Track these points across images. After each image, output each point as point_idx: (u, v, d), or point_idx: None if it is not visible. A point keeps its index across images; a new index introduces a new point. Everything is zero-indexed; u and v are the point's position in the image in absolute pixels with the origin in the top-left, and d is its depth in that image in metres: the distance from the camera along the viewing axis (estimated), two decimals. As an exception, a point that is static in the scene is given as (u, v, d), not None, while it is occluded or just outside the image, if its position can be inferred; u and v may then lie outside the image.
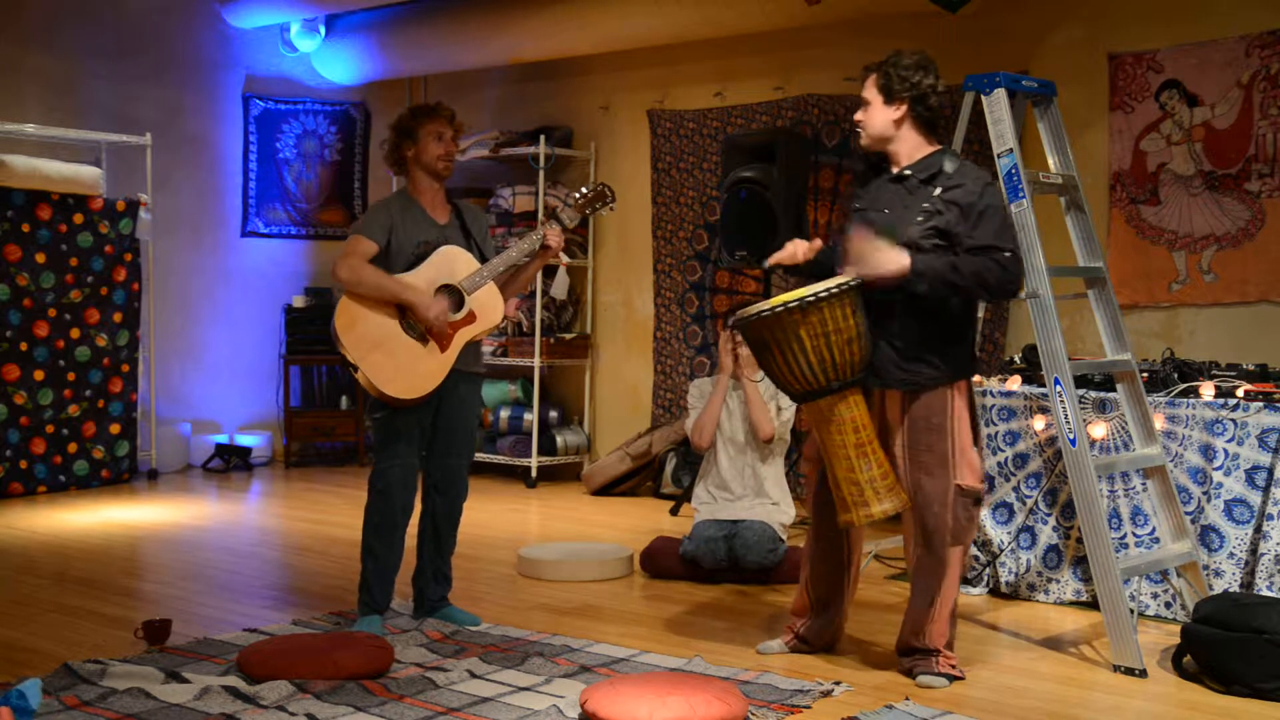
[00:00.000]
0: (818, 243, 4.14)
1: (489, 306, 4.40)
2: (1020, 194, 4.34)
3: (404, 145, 4.46)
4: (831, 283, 3.75)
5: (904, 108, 3.93)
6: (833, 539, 4.12)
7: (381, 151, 4.58)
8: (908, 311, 3.85)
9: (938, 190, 3.87)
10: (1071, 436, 4.18)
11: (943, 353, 3.89)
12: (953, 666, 3.97)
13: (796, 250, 4.10)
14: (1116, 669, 4.07)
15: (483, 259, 4.45)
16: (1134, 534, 4.79)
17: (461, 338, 4.35)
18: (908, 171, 3.95)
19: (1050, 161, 4.69)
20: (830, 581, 4.16)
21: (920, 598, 3.96)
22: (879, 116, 3.95)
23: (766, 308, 3.74)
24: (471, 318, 4.36)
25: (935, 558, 3.90)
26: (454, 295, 4.35)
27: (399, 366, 4.27)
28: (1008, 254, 3.82)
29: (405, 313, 4.30)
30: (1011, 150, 4.36)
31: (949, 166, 3.91)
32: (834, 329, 3.72)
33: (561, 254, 7.89)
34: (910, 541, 3.99)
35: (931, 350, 3.87)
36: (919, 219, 3.85)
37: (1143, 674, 4.03)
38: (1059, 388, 4.21)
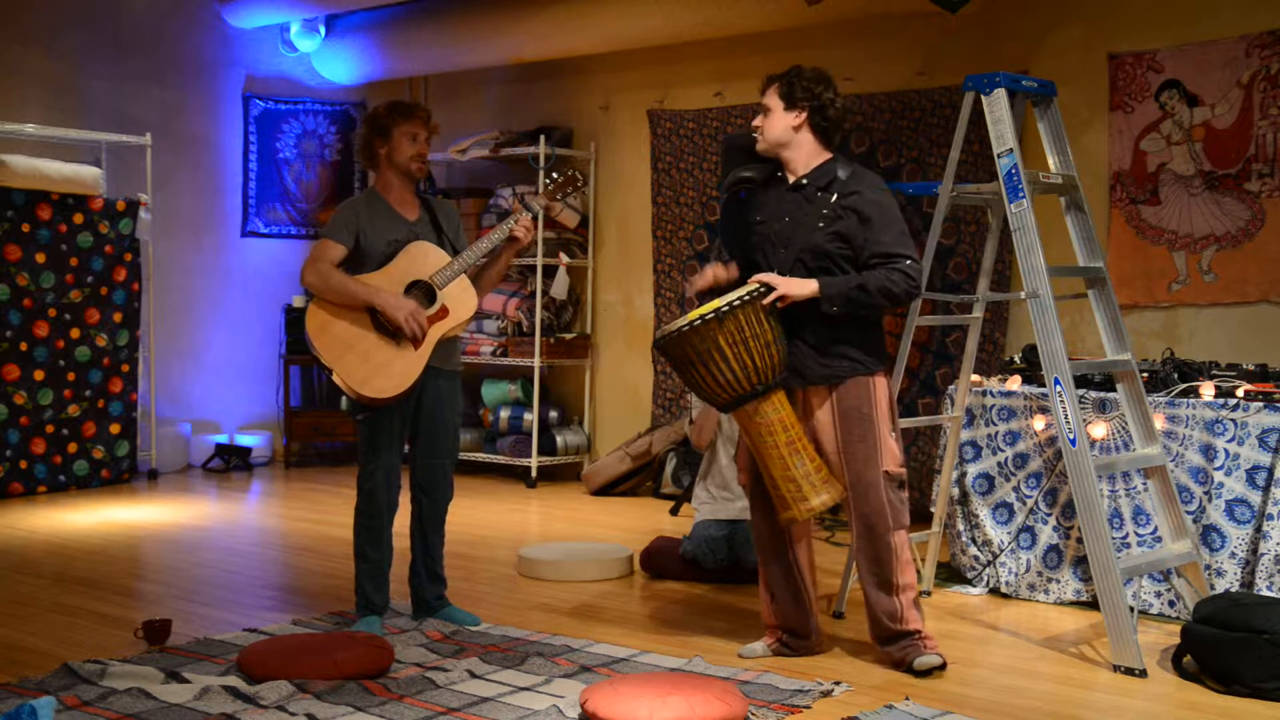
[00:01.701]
0: (734, 267, 4.26)
1: (461, 301, 4.38)
2: (1020, 194, 4.34)
3: (376, 141, 4.44)
4: (742, 291, 3.91)
5: (803, 115, 4.07)
6: (778, 553, 4.19)
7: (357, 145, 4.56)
8: (819, 310, 3.97)
9: (834, 197, 4.01)
10: (1071, 436, 4.18)
11: (858, 344, 4.03)
12: (934, 646, 4.06)
13: (717, 274, 4.24)
14: (1116, 669, 4.07)
15: (455, 254, 4.42)
16: (1136, 533, 4.79)
17: (435, 333, 4.33)
18: (805, 180, 4.08)
19: (1050, 161, 4.69)
20: (787, 593, 4.21)
21: (880, 586, 4.05)
22: (779, 122, 4.09)
23: (685, 323, 3.88)
24: (444, 312, 4.35)
25: (881, 544, 4.02)
26: (425, 291, 4.35)
27: (373, 366, 4.26)
28: (909, 262, 3.96)
29: (377, 312, 4.30)
30: (1011, 150, 4.37)
31: (843, 173, 4.06)
32: (751, 334, 3.86)
33: (562, 254, 7.97)
34: (853, 534, 4.09)
35: (847, 343, 4.02)
36: (820, 225, 4.00)
37: (1142, 674, 4.03)
38: (1059, 388, 4.21)
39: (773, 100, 4.10)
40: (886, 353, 4.17)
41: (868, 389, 4.02)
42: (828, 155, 4.11)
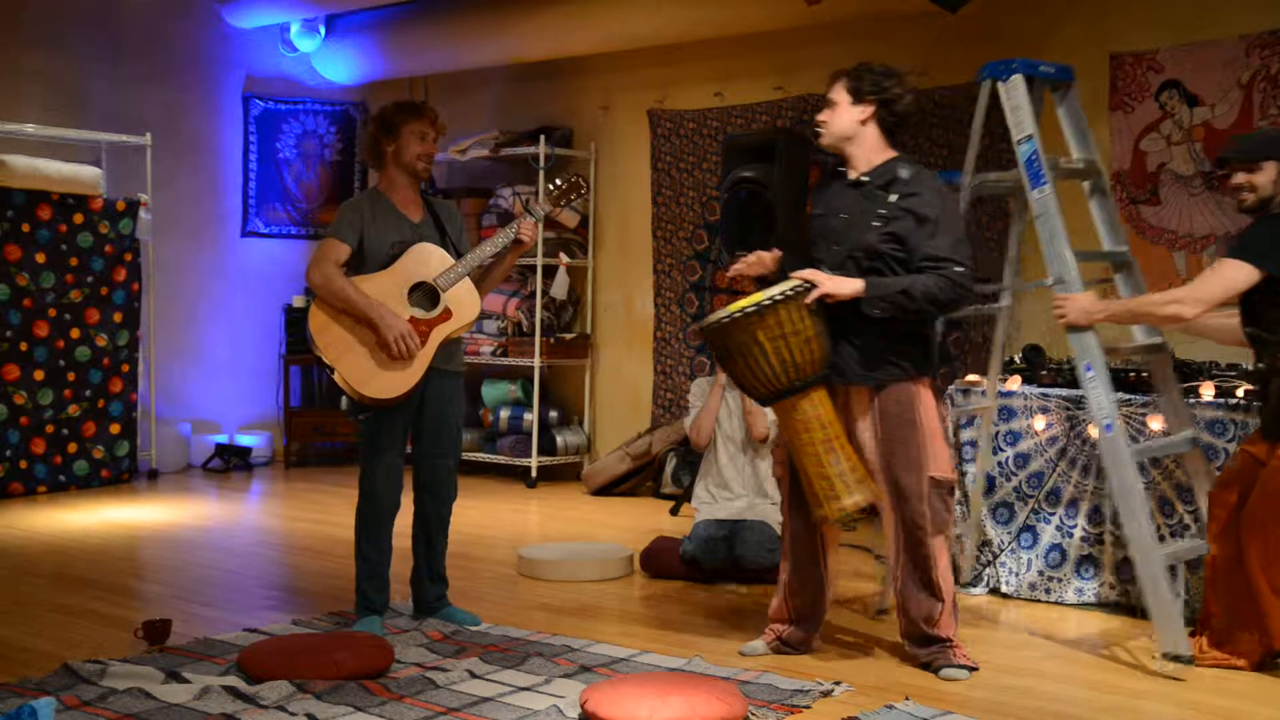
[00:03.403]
0: (777, 253, 4.23)
1: (465, 303, 4.37)
2: (1042, 180, 4.32)
3: (384, 140, 4.43)
4: (784, 286, 3.88)
5: (870, 109, 4.01)
6: (808, 553, 4.16)
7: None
8: (866, 313, 3.93)
9: (894, 197, 3.96)
10: (1107, 423, 4.15)
11: (903, 351, 3.98)
12: (966, 657, 4.03)
13: (762, 260, 4.20)
14: (1165, 656, 4.05)
15: (458, 256, 4.42)
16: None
17: (438, 335, 4.33)
18: (865, 178, 4.03)
19: (1071, 147, 4.64)
20: (809, 594, 4.19)
21: (918, 589, 4.01)
22: (845, 116, 4.04)
23: (725, 315, 3.87)
24: (447, 315, 4.34)
25: (921, 550, 3.98)
26: (429, 293, 4.34)
27: (375, 367, 4.25)
28: (960, 269, 3.90)
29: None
30: (1031, 136, 4.34)
31: (904, 173, 4.00)
32: (791, 330, 3.84)
33: (562, 254, 7.97)
34: (892, 537, 4.06)
35: (891, 349, 3.97)
36: (875, 224, 3.95)
37: (1190, 661, 4.02)
38: (1090, 373, 4.18)
39: (839, 94, 4.03)
40: (935, 363, 4.08)
41: (911, 394, 3.97)
42: (891, 153, 4.04)
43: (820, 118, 4.09)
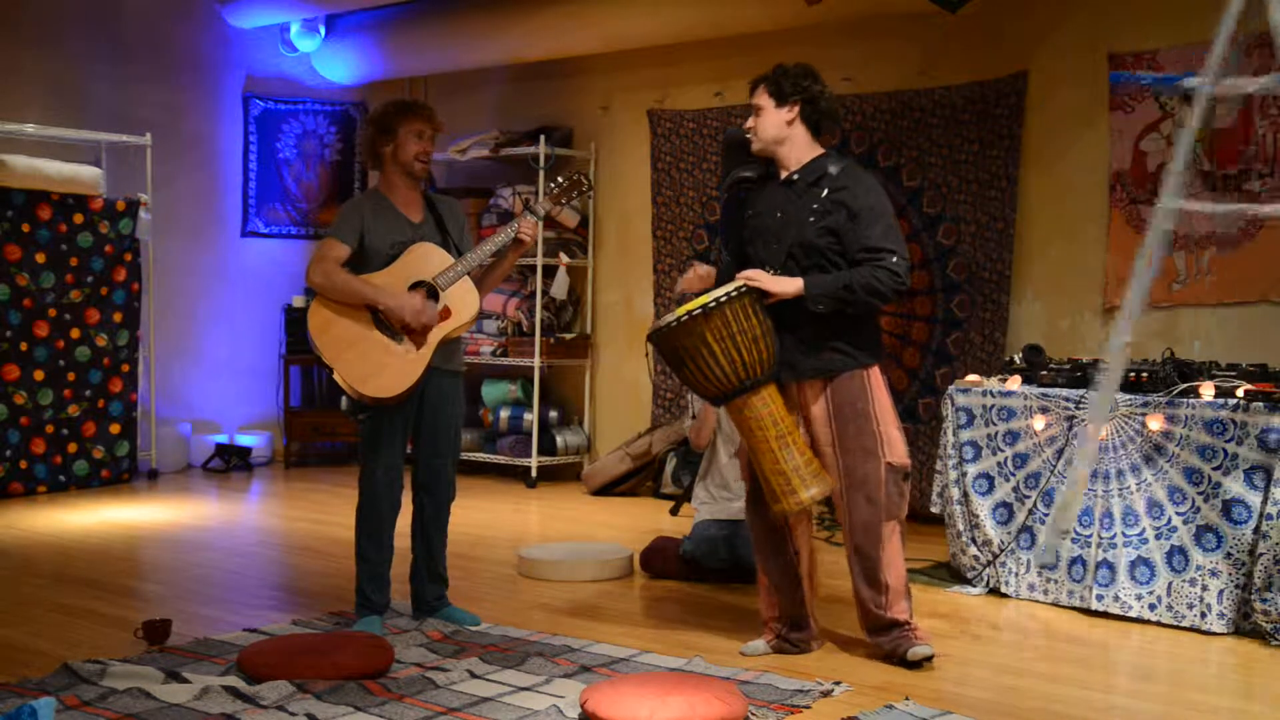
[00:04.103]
0: (711, 270, 4.38)
1: (464, 302, 4.37)
2: None
3: (380, 141, 4.43)
4: (728, 287, 3.96)
5: (795, 109, 4.11)
6: (777, 549, 4.19)
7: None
8: (810, 309, 4.01)
9: (825, 192, 4.05)
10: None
11: (849, 337, 4.06)
12: (923, 635, 4.10)
13: (699, 272, 4.36)
14: None
15: (459, 254, 4.42)
16: (1124, 533, 4.78)
17: (437, 334, 4.33)
18: (795, 176, 4.12)
19: None
20: (786, 588, 4.21)
21: (867, 576, 4.08)
22: (771, 119, 4.13)
23: (672, 319, 3.94)
24: (446, 314, 4.34)
25: (873, 535, 4.04)
26: (428, 292, 4.34)
27: (374, 366, 4.26)
28: (895, 258, 3.98)
29: (379, 311, 4.30)
30: None
31: (833, 168, 4.10)
32: (738, 329, 3.90)
33: (562, 254, 7.97)
34: (846, 525, 4.11)
35: (838, 336, 4.05)
36: (811, 219, 4.03)
37: None
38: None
39: (763, 99, 4.13)
40: (882, 346, 4.20)
41: (862, 383, 4.06)
42: (819, 150, 4.15)
43: (748, 125, 4.19)
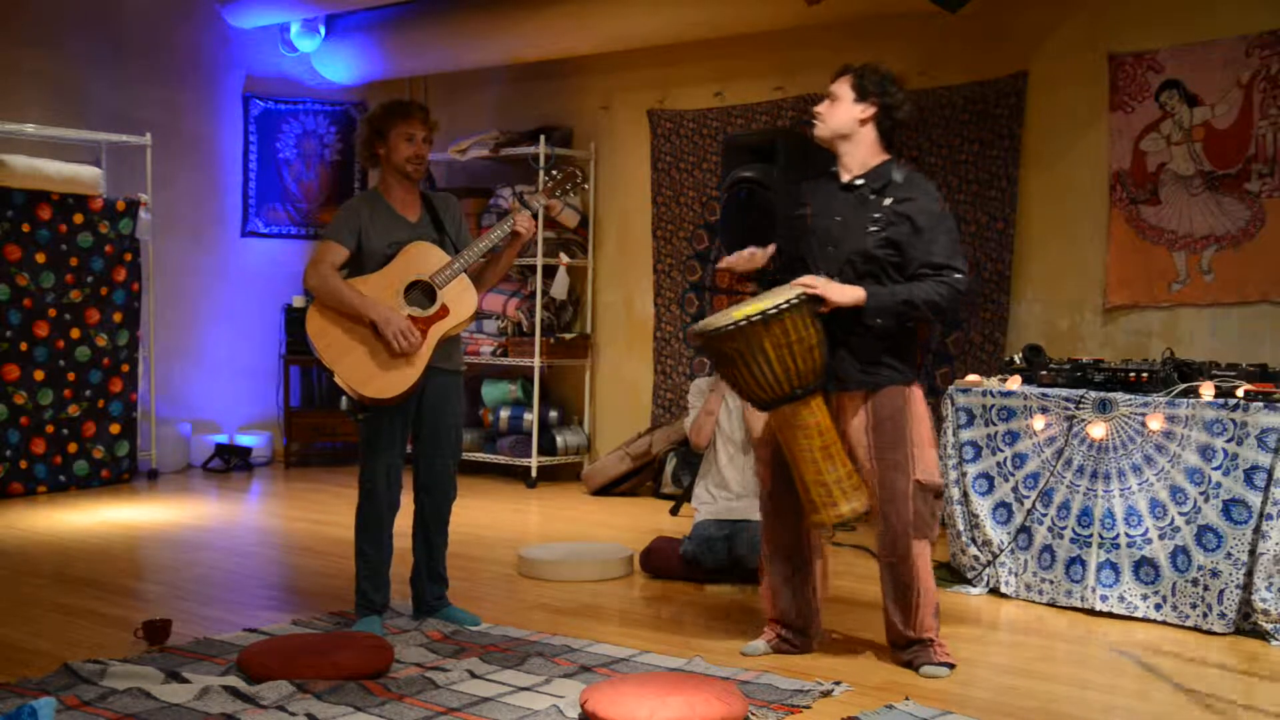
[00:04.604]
0: (772, 248, 4.20)
1: (462, 300, 4.36)
2: None
3: (374, 143, 4.41)
4: (790, 293, 3.84)
5: (871, 110, 4.00)
6: (794, 553, 4.17)
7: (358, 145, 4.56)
8: (862, 320, 3.93)
9: (888, 200, 3.94)
10: None
11: (899, 355, 3.99)
12: (946, 655, 4.05)
13: (755, 256, 4.16)
14: None
15: (456, 252, 4.40)
16: (1126, 534, 4.78)
17: (435, 333, 4.32)
18: (859, 181, 4.01)
19: None
20: (795, 594, 4.19)
21: (897, 592, 4.04)
22: (845, 112, 4.02)
23: (729, 322, 3.80)
24: (444, 312, 4.33)
25: (902, 551, 3.99)
26: (426, 290, 4.34)
27: (374, 367, 4.25)
28: (959, 275, 3.91)
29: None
30: None
31: (898, 176, 3.99)
32: (796, 338, 3.81)
33: (562, 254, 7.97)
34: (879, 540, 4.06)
35: (888, 353, 3.98)
36: (871, 229, 3.93)
37: None
38: None
39: (842, 89, 4.02)
40: (923, 369, 4.13)
41: (902, 399, 3.98)
42: (885, 156, 4.03)
43: (819, 109, 4.07)
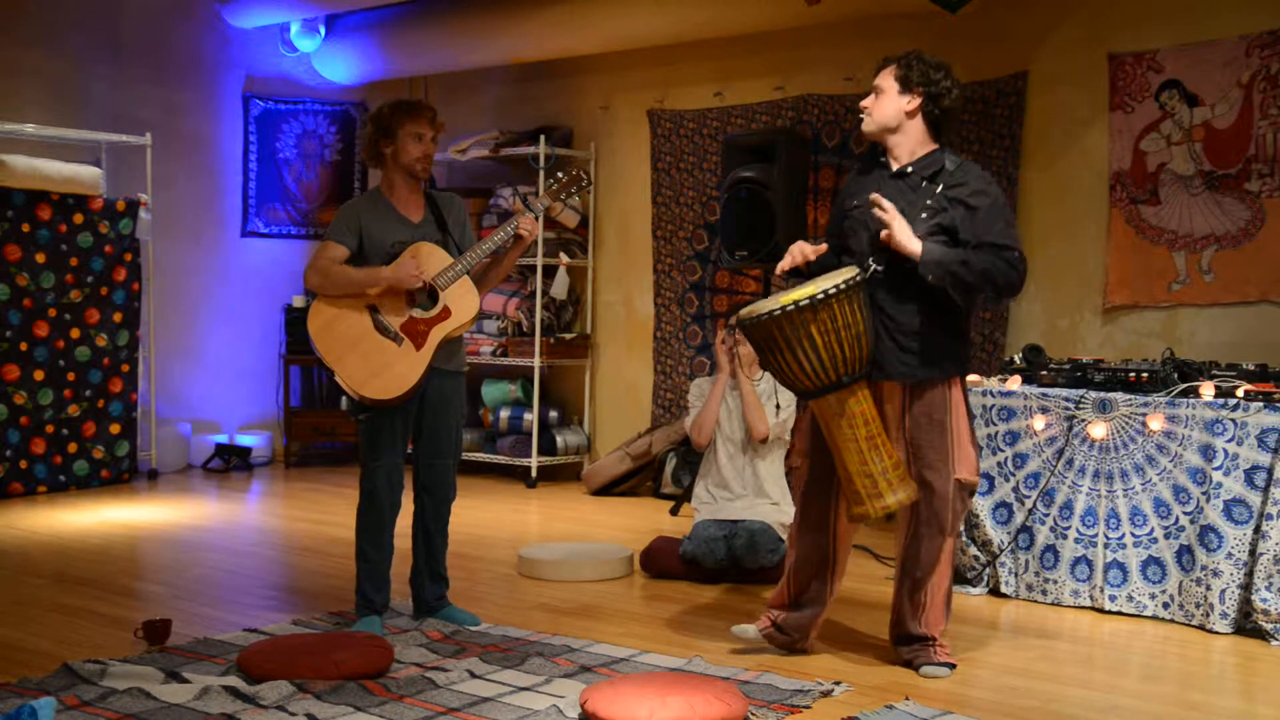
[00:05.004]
0: (823, 246, 4.12)
1: (464, 302, 4.36)
2: None
3: (381, 141, 4.40)
4: (839, 278, 3.74)
5: (918, 101, 3.94)
6: (817, 536, 4.11)
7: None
8: (910, 306, 3.88)
9: (940, 187, 3.88)
10: None
11: (943, 347, 3.92)
12: (947, 655, 4.04)
13: (805, 253, 4.05)
14: None
15: (459, 253, 4.40)
16: (1132, 534, 4.79)
17: (437, 334, 4.31)
18: (910, 168, 3.95)
19: None
20: (812, 577, 4.14)
21: (912, 586, 4.01)
22: (890, 104, 3.96)
23: (776, 307, 3.71)
24: (446, 313, 4.33)
25: (930, 547, 3.96)
26: (428, 292, 4.33)
27: (375, 367, 4.25)
28: (1015, 254, 3.84)
29: (378, 313, 4.29)
30: None
31: (950, 164, 3.93)
32: (844, 324, 3.72)
33: (562, 254, 7.97)
34: (903, 531, 4.02)
35: (933, 344, 3.90)
36: (924, 216, 3.86)
37: None
38: None
39: (887, 81, 3.97)
40: (969, 362, 4.03)
41: (944, 395, 3.92)
42: (934, 145, 3.97)
43: (864, 104, 4.02)
